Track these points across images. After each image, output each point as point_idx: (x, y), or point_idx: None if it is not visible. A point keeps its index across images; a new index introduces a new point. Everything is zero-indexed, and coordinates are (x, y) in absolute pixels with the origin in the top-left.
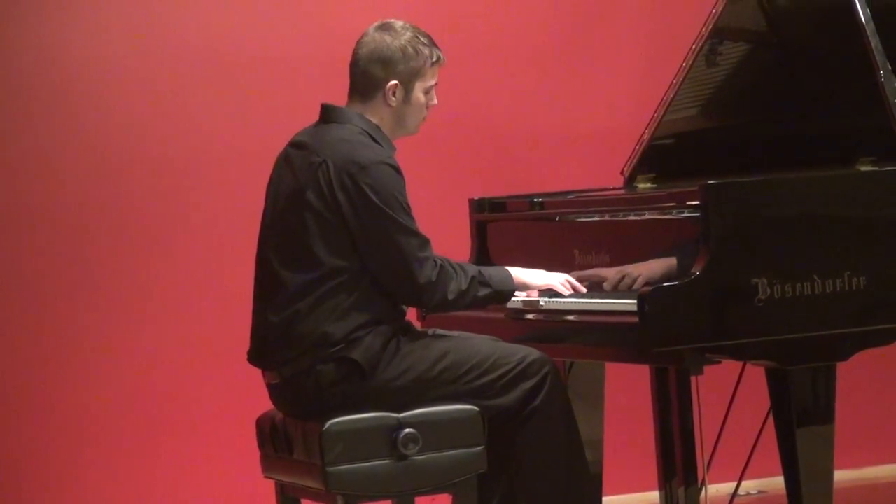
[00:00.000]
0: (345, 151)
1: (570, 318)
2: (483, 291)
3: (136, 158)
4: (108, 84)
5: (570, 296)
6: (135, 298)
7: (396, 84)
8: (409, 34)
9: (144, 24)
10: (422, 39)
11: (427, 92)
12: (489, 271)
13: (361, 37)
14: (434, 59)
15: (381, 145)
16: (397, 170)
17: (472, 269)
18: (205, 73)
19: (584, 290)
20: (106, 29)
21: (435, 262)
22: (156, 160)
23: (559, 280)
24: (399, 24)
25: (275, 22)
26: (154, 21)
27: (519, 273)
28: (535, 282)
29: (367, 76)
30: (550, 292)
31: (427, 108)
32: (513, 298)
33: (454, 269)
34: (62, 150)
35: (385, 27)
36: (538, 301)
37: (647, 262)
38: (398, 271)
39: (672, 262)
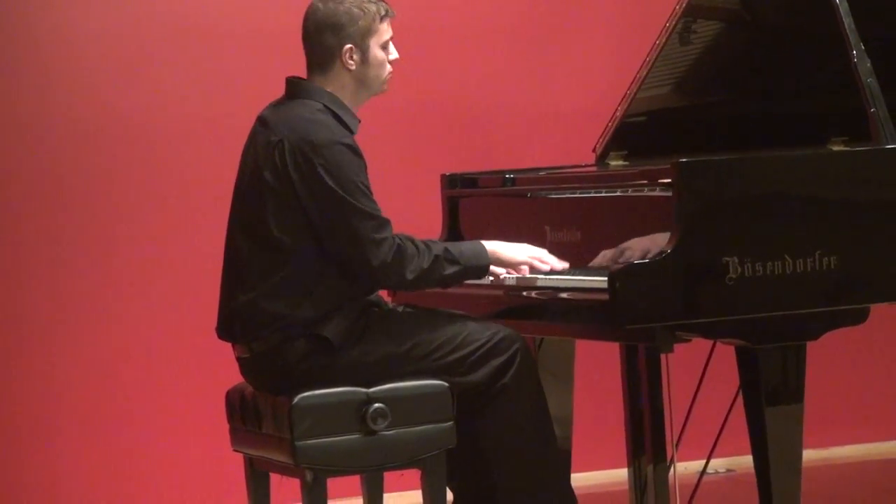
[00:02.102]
0: (301, 130)
1: (541, 294)
2: (451, 269)
3: (105, 133)
4: (79, 58)
5: (549, 273)
6: (104, 271)
7: (351, 47)
8: None
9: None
10: None
11: (384, 47)
12: (461, 247)
13: (308, 7)
14: (382, 12)
15: (343, 121)
16: (354, 150)
17: (438, 248)
18: (177, 45)
19: (561, 266)
20: (77, 2)
21: (392, 242)
22: (125, 134)
23: (537, 255)
24: None
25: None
26: None
27: (495, 247)
28: (511, 257)
29: (320, 47)
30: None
31: (389, 63)
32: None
33: (417, 248)
34: (31, 123)
35: None
36: (504, 276)
37: (645, 238)
38: (352, 254)
39: (653, 239)
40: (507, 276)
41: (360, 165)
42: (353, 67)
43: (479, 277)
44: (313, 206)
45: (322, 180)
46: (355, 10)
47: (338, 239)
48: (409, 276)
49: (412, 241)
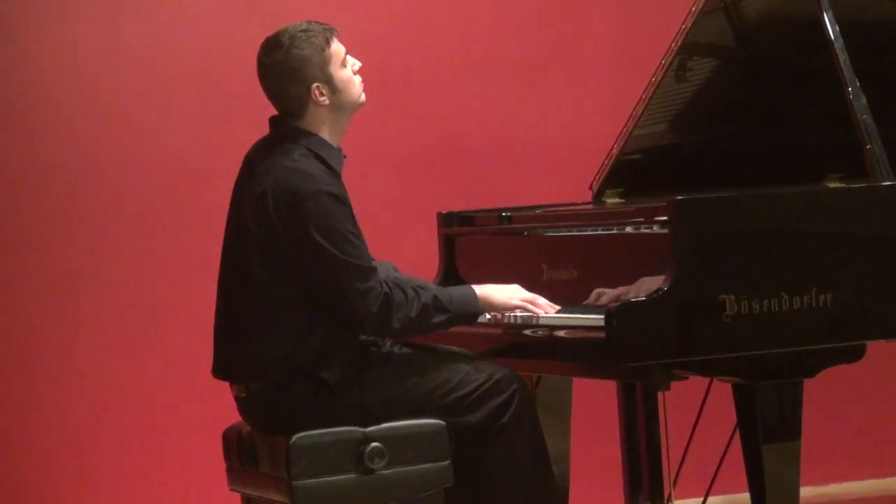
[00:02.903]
0: (284, 181)
1: (538, 332)
2: (439, 317)
3: (102, 173)
4: (74, 99)
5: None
6: (104, 308)
7: (318, 85)
8: (291, 39)
9: (113, 38)
10: (305, 33)
11: (344, 65)
12: (451, 293)
13: (258, 68)
14: (327, 37)
15: (328, 163)
16: (337, 198)
17: (427, 295)
18: (172, 86)
19: (553, 310)
20: (73, 43)
21: (379, 290)
22: (122, 175)
23: (528, 299)
24: (277, 36)
25: (242, 34)
26: (122, 34)
27: (486, 291)
28: (503, 302)
29: (289, 98)
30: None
31: (355, 74)
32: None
33: (405, 296)
34: (28, 160)
35: (269, 48)
36: (506, 318)
37: (641, 276)
38: (339, 303)
39: (650, 276)
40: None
41: (344, 213)
42: (327, 102)
43: (469, 324)
44: (298, 257)
45: (306, 232)
46: (303, 50)
47: (323, 290)
48: (396, 324)
49: (401, 287)
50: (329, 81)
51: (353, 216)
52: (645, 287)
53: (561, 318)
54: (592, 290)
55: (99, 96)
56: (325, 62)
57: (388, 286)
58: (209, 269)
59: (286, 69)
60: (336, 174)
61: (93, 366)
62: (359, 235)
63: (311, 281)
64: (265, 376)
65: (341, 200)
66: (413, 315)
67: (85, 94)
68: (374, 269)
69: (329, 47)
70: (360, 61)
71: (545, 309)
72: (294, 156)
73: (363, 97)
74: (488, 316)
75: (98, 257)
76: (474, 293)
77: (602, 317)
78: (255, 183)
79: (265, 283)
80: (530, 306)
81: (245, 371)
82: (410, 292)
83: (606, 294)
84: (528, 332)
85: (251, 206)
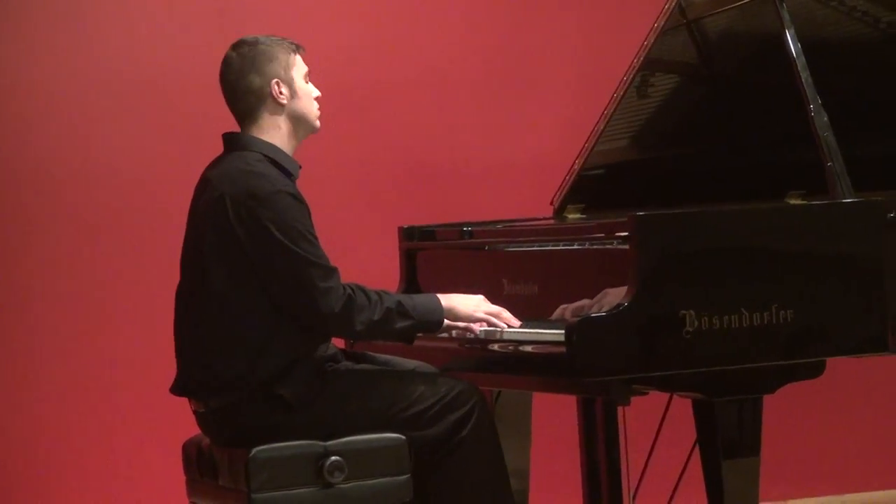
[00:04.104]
0: (241, 184)
1: (498, 346)
2: (402, 323)
3: (63, 182)
4: (35, 108)
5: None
6: (63, 319)
7: (278, 81)
8: (259, 38)
9: (73, 49)
10: (272, 38)
11: (307, 80)
12: (415, 300)
13: (222, 64)
14: (294, 47)
15: (284, 168)
16: (297, 197)
17: (391, 300)
18: (132, 99)
19: (516, 323)
20: (32, 52)
21: (342, 291)
22: (82, 185)
23: (493, 312)
24: (246, 37)
25: (206, 47)
26: (83, 46)
27: (451, 302)
28: (467, 314)
29: (248, 91)
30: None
31: (314, 100)
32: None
33: (368, 298)
34: None
35: (237, 44)
36: (470, 332)
37: (602, 292)
38: (300, 303)
39: (610, 292)
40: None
41: (303, 212)
42: (285, 101)
43: (432, 332)
44: (259, 258)
45: (267, 231)
46: (270, 49)
47: (285, 289)
48: (358, 327)
49: (364, 291)
50: (290, 84)
51: (311, 219)
52: (606, 300)
53: (522, 332)
54: (553, 304)
55: (55, 106)
56: (289, 65)
57: (350, 288)
58: (170, 280)
59: (250, 61)
60: (292, 179)
61: (52, 377)
62: (317, 238)
63: (273, 282)
64: (223, 393)
65: (300, 200)
66: (376, 318)
67: (40, 103)
68: (335, 270)
69: (295, 55)
70: (323, 81)
71: (509, 322)
72: (249, 160)
73: (318, 123)
74: (453, 331)
75: (57, 269)
76: (439, 302)
77: (562, 332)
78: (211, 190)
79: (223, 294)
80: (494, 319)
81: (203, 388)
82: (374, 296)
83: (569, 308)
84: (488, 346)
85: (209, 213)
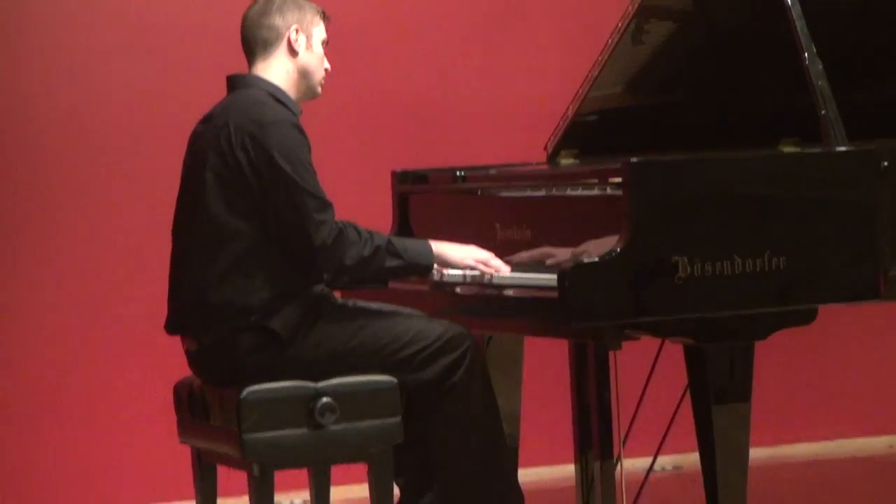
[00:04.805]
0: (246, 113)
1: (491, 291)
2: (392, 262)
3: (51, 128)
4: (22, 51)
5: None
6: (53, 262)
7: (297, 28)
8: None
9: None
10: None
11: (324, 45)
12: (405, 243)
13: (247, 10)
14: (322, 13)
15: (287, 107)
16: (300, 130)
17: (382, 239)
18: (123, 42)
19: (506, 270)
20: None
21: (335, 226)
22: (72, 130)
23: (483, 259)
24: None
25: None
26: None
27: (441, 248)
28: (457, 260)
29: (269, 27)
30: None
31: (324, 66)
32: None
33: (359, 235)
34: None
35: None
36: (462, 276)
37: (597, 241)
38: (296, 232)
39: (603, 237)
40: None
41: (306, 145)
42: (299, 50)
43: (422, 276)
44: (258, 184)
45: (270, 158)
46: (300, 1)
47: (282, 218)
48: (348, 261)
49: (356, 228)
50: (308, 37)
51: (311, 154)
52: (593, 247)
53: (514, 277)
54: (545, 250)
55: (58, 41)
56: (312, 21)
57: (343, 224)
58: (163, 222)
59: (278, 4)
60: (296, 117)
61: (43, 320)
62: (316, 172)
63: (270, 209)
64: (217, 327)
65: (304, 134)
66: (366, 254)
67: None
68: (331, 204)
69: (321, 20)
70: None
71: (499, 269)
72: (253, 93)
73: (320, 89)
74: (444, 273)
75: (50, 209)
76: (430, 247)
77: (555, 277)
78: (214, 121)
79: (221, 223)
80: (483, 267)
81: (197, 322)
82: (365, 233)
83: (554, 255)
84: (481, 290)
85: (211, 142)
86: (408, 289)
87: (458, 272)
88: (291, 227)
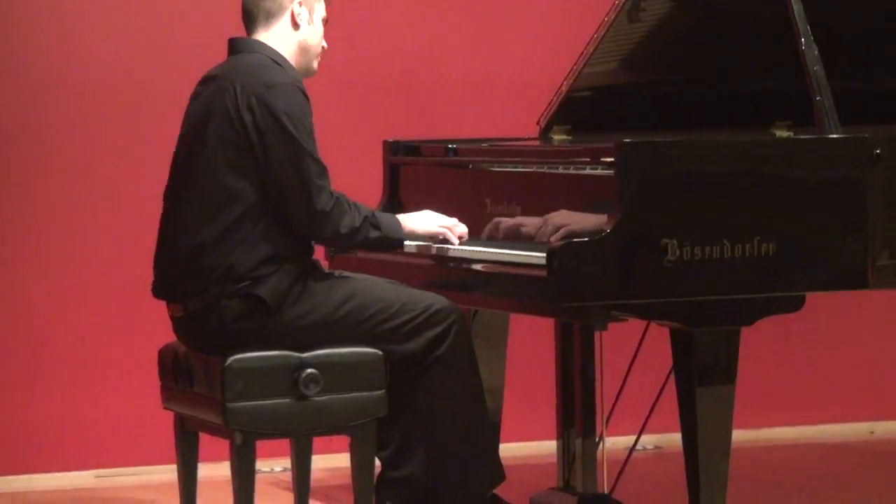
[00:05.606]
0: (252, 75)
1: (478, 267)
2: (374, 234)
3: (45, 86)
4: (13, 9)
5: (459, 244)
6: (39, 223)
7: (301, 2)
8: None
9: None
10: None
11: (324, 23)
12: (380, 215)
13: None
14: None
15: (289, 72)
16: (305, 94)
17: (366, 210)
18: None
19: (464, 236)
20: None
21: (331, 193)
22: (65, 89)
23: (447, 225)
24: None
25: None
26: None
27: (406, 220)
28: (422, 230)
29: (272, 0)
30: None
31: (322, 44)
32: (408, 244)
33: (349, 204)
34: None
35: None
36: (430, 247)
37: (571, 214)
38: (296, 195)
39: (593, 217)
40: (437, 246)
41: (309, 109)
42: (301, 24)
43: (393, 249)
44: (262, 144)
45: (274, 118)
46: None
47: (284, 178)
48: (343, 230)
49: (345, 197)
50: (310, 12)
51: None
52: (577, 224)
53: (502, 253)
54: (536, 227)
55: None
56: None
57: (335, 192)
58: (151, 185)
59: None
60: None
61: (29, 283)
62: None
63: (272, 171)
64: (205, 293)
65: (307, 98)
66: (357, 224)
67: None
68: (327, 170)
69: None
70: None
71: (463, 235)
72: (257, 56)
73: (316, 66)
74: (413, 246)
75: (37, 170)
76: (399, 222)
77: (543, 255)
78: (217, 82)
79: (222, 184)
80: (449, 234)
81: (186, 287)
82: (352, 203)
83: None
84: (467, 266)
85: (215, 102)
86: (394, 261)
87: (425, 243)
88: (292, 190)
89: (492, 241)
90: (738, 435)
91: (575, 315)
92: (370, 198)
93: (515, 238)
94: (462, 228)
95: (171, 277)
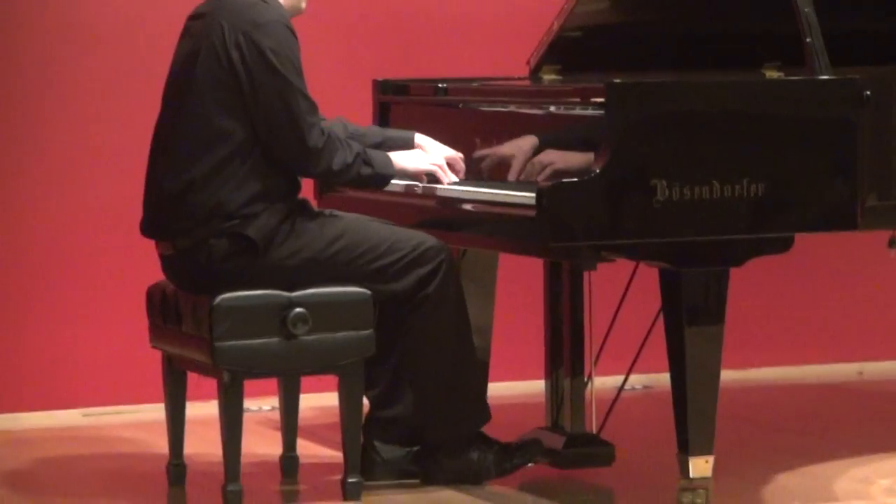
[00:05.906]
0: (240, 13)
1: (468, 206)
2: (366, 170)
3: (34, 22)
4: None
5: (450, 182)
6: (29, 161)
7: None
8: None
9: None
10: None
11: None
12: (372, 153)
13: None
14: None
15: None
16: (292, 31)
17: (358, 146)
18: None
19: (458, 176)
20: None
21: (323, 129)
22: (56, 23)
23: (436, 163)
24: None
25: None
26: None
27: (397, 158)
28: (412, 167)
29: None
30: (432, 177)
31: None
32: (395, 182)
33: (340, 141)
34: None
35: None
36: (416, 185)
37: (559, 153)
38: (287, 133)
39: (582, 157)
40: (422, 186)
41: (297, 46)
42: None
43: (380, 187)
44: (250, 82)
45: (262, 55)
46: None
47: (274, 116)
48: (335, 166)
49: (336, 133)
50: None
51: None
52: (566, 164)
53: (491, 193)
54: (524, 167)
55: None
56: None
57: (326, 127)
58: (141, 122)
59: None
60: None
61: (15, 223)
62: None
63: (261, 109)
64: (194, 231)
65: (296, 37)
66: (349, 160)
67: None
68: (317, 107)
69: None
70: None
71: (458, 169)
72: None
73: (304, 4)
74: (402, 184)
75: (25, 107)
76: (390, 158)
77: (533, 195)
78: (206, 20)
79: (211, 122)
80: (440, 172)
81: (174, 225)
82: (344, 139)
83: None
84: (456, 205)
85: (203, 39)
86: (383, 200)
87: (413, 182)
88: (282, 127)
89: (480, 179)
90: (727, 375)
91: (564, 255)
92: None
93: (502, 173)
94: (458, 164)
95: (159, 215)
